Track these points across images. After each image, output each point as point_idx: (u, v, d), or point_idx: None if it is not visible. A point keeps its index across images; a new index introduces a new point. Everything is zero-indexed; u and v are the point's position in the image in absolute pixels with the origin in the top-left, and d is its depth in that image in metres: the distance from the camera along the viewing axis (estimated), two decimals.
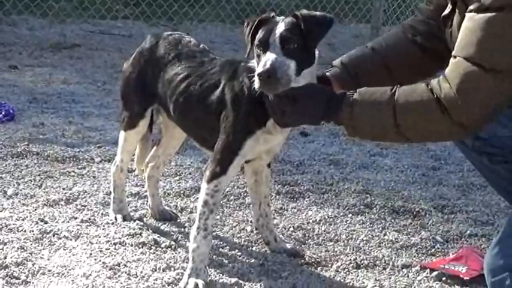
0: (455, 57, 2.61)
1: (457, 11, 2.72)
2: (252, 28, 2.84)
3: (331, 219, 3.75)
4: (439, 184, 4.40)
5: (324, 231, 3.61)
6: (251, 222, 3.60)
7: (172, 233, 3.47)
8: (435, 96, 2.60)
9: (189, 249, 3.01)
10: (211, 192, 2.96)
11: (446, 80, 2.60)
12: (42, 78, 6.39)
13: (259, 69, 2.73)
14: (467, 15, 2.60)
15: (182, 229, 3.52)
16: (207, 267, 3.02)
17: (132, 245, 3.29)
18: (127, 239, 3.34)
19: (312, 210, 3.86)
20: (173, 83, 3.19)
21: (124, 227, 3.45)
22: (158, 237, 3.39)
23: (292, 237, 3.53)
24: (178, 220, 3.63)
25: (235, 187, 4.05)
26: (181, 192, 3.99)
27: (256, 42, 2.82)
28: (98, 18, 8.74)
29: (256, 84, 2.75)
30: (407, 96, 2.64)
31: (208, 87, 3.08)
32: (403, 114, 2.64)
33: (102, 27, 8.64)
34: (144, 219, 3.60)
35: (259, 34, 2.81)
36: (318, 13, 2.88)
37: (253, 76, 2.76)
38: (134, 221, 3.54)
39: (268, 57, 2.74)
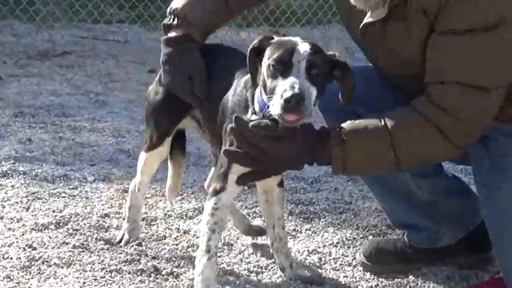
0: (442, 83, 2.72)
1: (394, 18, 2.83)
2: (256, 47, 2.77)
3: (349, 242, 3.74)
4: None
5: (342, 254, 3.60)
6: (261, 245, 3.60)
7: (173, 258, 3.46)
8: (435, 125, 2.73)
9: (194, 274, 3.01)
10: (211, 211, 2.97)
11: (442, 110, 2.71)
12: (29, 89, 6.42)
13: (286, 93, 2.57)
14: (441, 37, 2.72)
15: (184, 254, 3.51)
16: None
17: (129, 273, 3.28)
18: (124, 265, 3.34)
19: (329, 231, 3.85)
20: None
21: (120, 253, 3.45)
22: (158, 263, 3.38)
23: (307, 261, 3.52)
24: (181, 244, 3.62)
25: (243, 207, 4.05)
26: (184, 213, 3.99)
27: (271, 61, 2.67)
28: (90, 22, 8.79)
29: (278, 109, 2.59)
30: (404, 129, 2.75)
31: (224, 98, 3.08)
32: (403, 148, 2.75)
33: (94, 33, 8.69)
34: (143, 244, 3.58)
35: (276, 53, 2.68)
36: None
37: (270, 99, 2.63)
38: (132, 246, 3.53)
39: (295, 80, 2.61)
